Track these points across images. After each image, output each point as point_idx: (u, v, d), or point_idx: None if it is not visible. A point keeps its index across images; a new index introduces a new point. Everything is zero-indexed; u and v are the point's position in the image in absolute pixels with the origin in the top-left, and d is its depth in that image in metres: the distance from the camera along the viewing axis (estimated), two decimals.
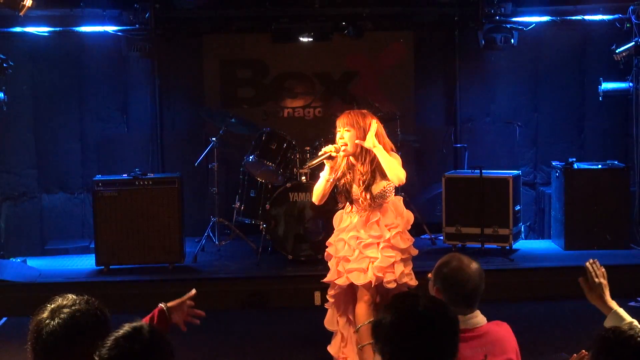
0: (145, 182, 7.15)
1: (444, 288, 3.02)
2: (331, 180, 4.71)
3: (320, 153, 4.76)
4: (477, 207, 7.37)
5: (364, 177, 4.64)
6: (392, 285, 4.61)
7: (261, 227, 7.37)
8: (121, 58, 8.38)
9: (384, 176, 4.63)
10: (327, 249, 4.88)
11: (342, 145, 4.69)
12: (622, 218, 7.66)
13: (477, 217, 7.36)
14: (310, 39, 8.43)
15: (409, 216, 4.82)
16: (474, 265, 3.06)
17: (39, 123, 8.32)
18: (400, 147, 7.90)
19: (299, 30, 8.38)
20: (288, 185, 7.26)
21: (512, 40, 8.15)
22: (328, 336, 5.97)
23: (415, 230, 8.19)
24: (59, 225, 8.43)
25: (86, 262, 7.45)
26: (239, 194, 7.81)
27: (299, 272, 6.99)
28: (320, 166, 4.89)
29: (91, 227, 7.40)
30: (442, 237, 7.68)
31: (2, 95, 7.62)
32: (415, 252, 4.83)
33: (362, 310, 4.59)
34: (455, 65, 8.84)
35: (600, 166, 7.75)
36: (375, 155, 4.60)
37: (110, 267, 7.09)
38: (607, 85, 8.01)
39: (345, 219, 4.82)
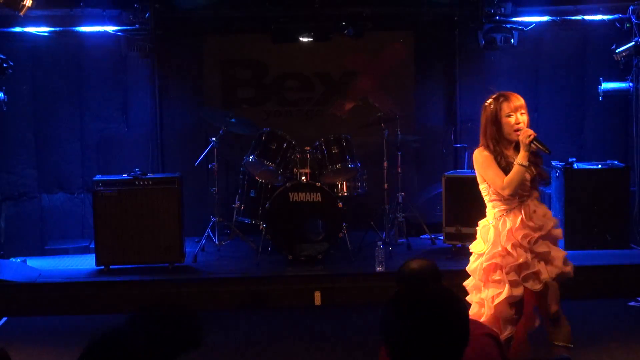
0: (145, 182, 7.14)
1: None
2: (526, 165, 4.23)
3: (527, 139, 4.18)
4: (477, 207, 7.33)
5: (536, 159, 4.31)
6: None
7: (261, 227, 7.37)
8: (121, 58, 8.38)
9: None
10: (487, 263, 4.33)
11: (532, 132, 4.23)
12: (622, 218, 7.65)
13: (477, 217, 7.29)
14: (310, 39, 8.43)
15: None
16: (432, 266, 3.14)
17: (39, 123, 8.33)
18: (400, 147, 7.92)
19: (299, 30, 8.39)
20: (288, 185, 7.26)
21: (512, 40, 8.15)
22: (328, 336, 5.99)
23: (415, 230, 8.24)
24: (59, 225, 8.43)
25: (86, 262, 7.45)
26: (239, 194, 7.81)
27: (299, 272, 6.99)
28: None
29: (91, 227, 7.40)
30: (442, 237, 7.68)
31: (2, 95, 7.63)
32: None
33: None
34: (455, 65, 8.85)
35: (600, 166, 7.75)
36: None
37: (110, 267, 7.09)
38: (607, 85, 8.01)
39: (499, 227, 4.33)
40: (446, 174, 7.72)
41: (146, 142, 8.65)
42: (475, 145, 4.48)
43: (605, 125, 8.59)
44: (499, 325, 4.25)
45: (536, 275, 4.26)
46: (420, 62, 8.91)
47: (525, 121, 4.28)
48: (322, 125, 8.70)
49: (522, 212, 4.29)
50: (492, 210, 4.39)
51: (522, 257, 4.24)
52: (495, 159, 4.28)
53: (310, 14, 8.29)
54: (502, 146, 4.31)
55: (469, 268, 4.42)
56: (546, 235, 4.34)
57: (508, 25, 8.11)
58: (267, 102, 8.87)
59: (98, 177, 7.26)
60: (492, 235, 4.33)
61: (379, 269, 6.85)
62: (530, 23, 8.21)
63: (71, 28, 8.03)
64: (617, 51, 7.84)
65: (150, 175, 7.27)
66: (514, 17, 8.08)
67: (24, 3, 6.32)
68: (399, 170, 7.88)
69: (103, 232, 7.08)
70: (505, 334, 4.24)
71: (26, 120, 8.26)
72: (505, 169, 4.25)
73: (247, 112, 8.62)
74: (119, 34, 8.02)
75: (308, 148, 7.48)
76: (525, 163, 4.20)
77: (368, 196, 7.93)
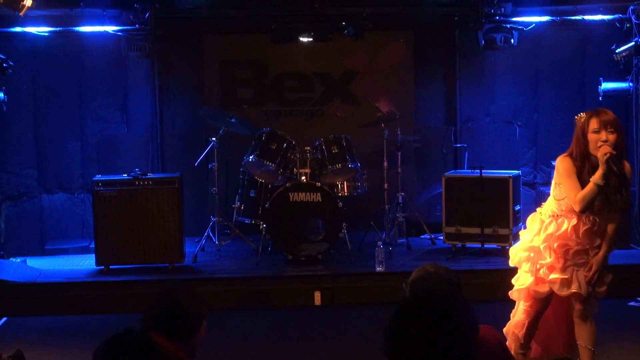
0: (145, 182, 7.14)
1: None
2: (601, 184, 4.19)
3: (605, 157, 4.13)
4: (477, 207, 7.37)
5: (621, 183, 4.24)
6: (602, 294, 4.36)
7: (261, 227, 7.37)
8: (121, 58, 8.38)
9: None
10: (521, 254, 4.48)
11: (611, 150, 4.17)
12: (622, 218, 7.63)
13: (477, 217, 7.36)
14: (310, 39, 8.43)
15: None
16: (447, 273, 3.12)
17: (39, 123, 8.33)
18: (400, 147, 7.92)
19: (299, 30, 8.39)
20: (288, 185, 7.26)
21: (512, 40, 8.16)
22: (328, 336, 5.99)
23: (415, 230, 8.24)
24: (59, 225, 8.43)
25: (86, 262, 7.45)
26: (239, 194, 7.81)
27: (299, 272, 6.99)
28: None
29: (91, 227, 7.40)
30: (442, 237, 7.68)
31: (2, 95, 7.63)
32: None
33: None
34: (455, 65, 8.85)
35: None
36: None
37: (110, 267, 7.09)
38: (607, 85, 8.01)
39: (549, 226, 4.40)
40: (446, 174, 7.72)
41: (146, 142, 8.65)
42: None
43: None
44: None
45: (567, 282, 4.30)
46: (420, 62, 8.91)
47: (612, 140, 4.17)
48: (322, 125, 8.70)
49: (573, 223, 4.29)
50: (552, 206, 4.40)
51: (554, 259, 4.30)
52: (579, 172, 4.24)
53: (310, 14, 8.29)
54: (590, 162, 4.25)
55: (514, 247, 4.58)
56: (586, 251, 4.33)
57: (508, 25, 8.12)
58: (267, 102, 8.86)
59: (98, 177, 7.26)
60: (536, 228, 4.43)
61: (379, 269, 6.85)
62: (530, 23, 8.21)
63: (71, 28, 8.03)
64: (617, 51, 7.85)
65: (150, 175, 7.27)
66: (514, 17, 8.09)
67: (24, 3, 6.32)
68: (399, 170, 7.88)
69: (103, 232, 7.08)
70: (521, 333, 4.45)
71: (26, 120, 8.27)
72: (584, 184, 4.22)
73: (247, 112, 8.62)
74: (119, 34, 8.02)
75: (308, 148, 7.48)
76: (600, 182, 4.15)
77: (368, 196, 7.93)
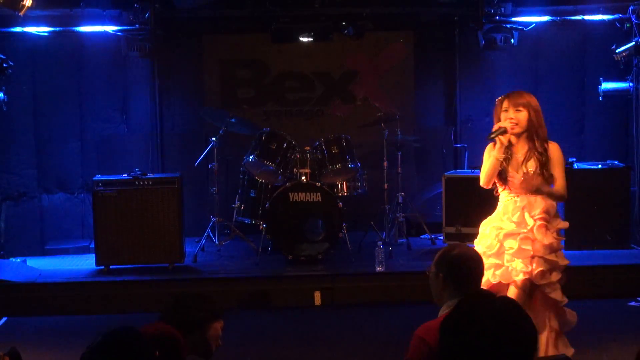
0: (145, 182, 7.14)
1: (450, 273, 3.13)
2: (501, 159, 4.35)
3: (494, 128, 4.35)
4: (477, 207, 7.34)
5: (541, 157, 4.35)
6: (520, 279, 4.22)
7: (261, 227, 7.37)
8: (121, 58, 8.38)
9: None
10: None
11: (512, 126, 4.32)
12: (622, 218, 7.65)
13: (477, 217, 7.30)
14: (310, 39, 8.42)
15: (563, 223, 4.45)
16: (474, 250, 3.12)
17: (39, 123, 8.32)
18: (400, 147, 7.91)
19: (299, 30, 8.38)
20: (288, 185, 7.25)
21: (512, 40, 8.16)
22: (328, 336, 5.99)
23: (415, 230, 8.24)
24: (59, 225, 8.42)
25: (86, 262, 7.45)
26: (239, 194, 7.81)
27: (299, 272, 6.99)
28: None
29: (91, 227, 7.39)
30: (442, 237, 7.68)
31: (2, 95, 7.63)
32: (564, 262, 4.33)
33: None
34: (455, 65, 8.85)
35: (600, 166, 7.75)
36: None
37: (110, 267, 7.09)
38: (607, 85, 8.01)
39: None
40: (446, 174, 7.72)
41: (146, 142, 8.65)
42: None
43: (605, 125, 8.59)
44: None
45: (499, 267, 4.30)
46: (420, 62, 8.90)
47: (520, 118, 4.33)
48: (322, 125, 8.71)
49: (509, 203, 4.38)
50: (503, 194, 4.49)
51: (490, 243, 4.33)
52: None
53: (310, 14, 8.28)
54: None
55: None
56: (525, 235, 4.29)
57: (508, 25, 8.11)
58: (267, 102, 8.86)
59: (98, 177, 7.26)
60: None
61: (379, 269, 6.85)
62: (530, 23, 8.21)
63: (71, 28, 8.03)
64: (617, 51, 7.84)
65: (150, 175, 7.27)
66: (514, 17, 8.08)
67: (24, 3, 6.31)
68: (399, 170, 7.88)
69: (103, 232, 7.07)
70: None
71: (26, 120, 8.26)
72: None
73: (247, 112, 8.61)
74: (119, 34, 8.02)
75: (308, 148, 7.48)
76: (498, 155, 4.32)
77: (368, 196, 7.92)
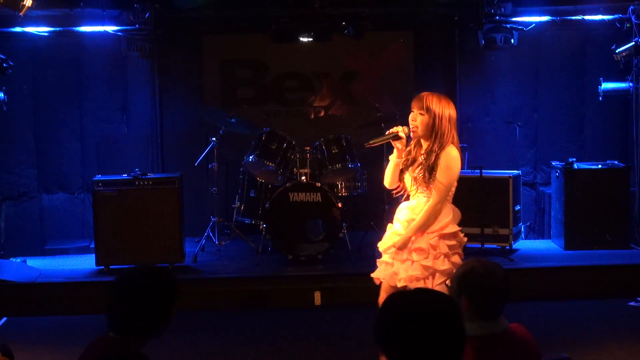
0: (145, 182, 7.14)
1: (472, 296, 2.84)
2: (399, 163, 4.39)
3: (387, 132, 4.42)
4: (477, 207, 7.37)
5: (426, 162, 4.31)
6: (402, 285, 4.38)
7: (261, 227, 7.37)
8: (121, 58, 8.38)
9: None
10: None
11: (413, 128, 4.31)
12: (622, 218, 7.66)
13: (477, 217, 7.35)
14: (310, 39, 8.42)
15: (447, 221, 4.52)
16: (498, 267, 2.87)
17: (39, 123, 8.33)
18: None
19: (299, 30, 8.38)
20: (288, 185, 7.26)
21: (512, 40, 8.15)
22: (328, 336, 5.99)
23: None
24: (59, 225, 8.43)
25: (86, 262, 7.45)
26: (239, 194, 7.81)
27: (299, 272, 6.99)
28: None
29: (91, 227, 7.40)
30: None
31: (2, 95, 7.63)
32: (444, 266, 4.41)
33: None
34: (455, 65, 8.84)
35: (600, 166, 7.75)
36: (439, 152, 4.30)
37: (110, 267, 7.09)
38: (607, 85, 8.01)
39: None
40: None
41: (146, 142, 8.65)
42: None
43: (605, 125, 8.59)
44: None
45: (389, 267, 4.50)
46: (420, 62, 8.91)
47: (420, 121, 4.27)
48: (322, 125, 8.71)
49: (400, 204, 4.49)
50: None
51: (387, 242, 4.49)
52: (408, 153, 4.43)
53: (310, 14, 8.28)
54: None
55: None
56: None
57: (508, 25, 8.11)
58: (267, 102, 8.86)
59: (98, 177, 7.26)
60: None
61: None
62: (530, 23, 8.21)
63: (71, 28, 8.03)
64: (617, 51, 7.85)
65: (150, 175, 7.27)
66: (514, 17, 8.08)
67: (24, 3, 6.31)
68: None
69: (103, 232, 7.08)
70: None
71: (26, 120, 8.27)
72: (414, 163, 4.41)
73: (247, 112, 8.62)
74: (119, 34, 8.02)
75: (308, 148, 7.48)
76: (394, 157, 4.41)
77: (368, 196, 7.92)
